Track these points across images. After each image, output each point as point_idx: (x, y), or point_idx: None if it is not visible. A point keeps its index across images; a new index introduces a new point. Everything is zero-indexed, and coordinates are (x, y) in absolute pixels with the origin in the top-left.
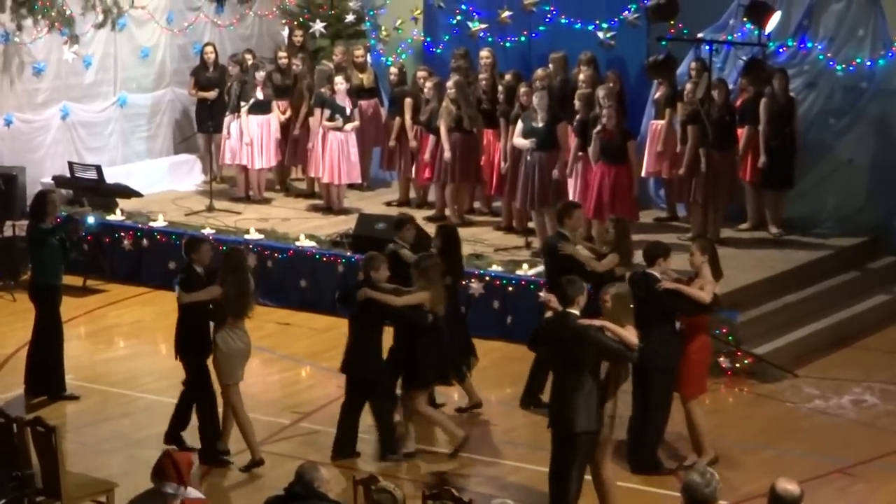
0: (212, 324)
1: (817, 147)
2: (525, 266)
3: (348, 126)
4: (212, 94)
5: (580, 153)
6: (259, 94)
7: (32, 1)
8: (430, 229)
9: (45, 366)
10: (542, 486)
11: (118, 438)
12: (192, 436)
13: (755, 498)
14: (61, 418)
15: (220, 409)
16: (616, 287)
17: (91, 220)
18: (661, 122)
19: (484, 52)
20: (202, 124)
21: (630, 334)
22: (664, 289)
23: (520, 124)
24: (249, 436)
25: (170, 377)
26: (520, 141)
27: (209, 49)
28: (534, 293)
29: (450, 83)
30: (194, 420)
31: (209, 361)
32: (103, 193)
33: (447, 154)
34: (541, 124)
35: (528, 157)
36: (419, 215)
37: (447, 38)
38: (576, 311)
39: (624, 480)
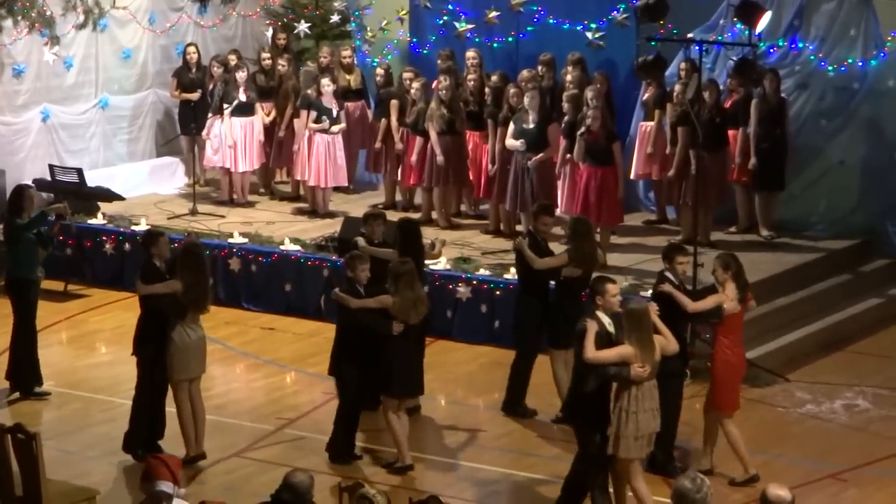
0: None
1: (808, 148)
2: (513, 270)
3: (335, 128)
4: (194, 96)
5: (568, 155)
6: (242, 96)
7: (12, 2)
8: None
9: (26, 360)
10: (531, 492)
11: (100, 445)
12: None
13: None
14: (42, 425)
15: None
16: (631, 302)
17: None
18: (651, 123)
19: (470, 53)
20: (185, 126)
21: (614, 350)
22: (659, 292)
23: (512, 125)
24: (187, 431)
25: None
26: (511, 142)
27: (192, 49)
28: None
29: (442, 84)
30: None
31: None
32: (84, 197)
33: (439, 157)
34: (531, 125)
35: (519, 159)
36: None
37: (434, 38)
38: (598, 311)
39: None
